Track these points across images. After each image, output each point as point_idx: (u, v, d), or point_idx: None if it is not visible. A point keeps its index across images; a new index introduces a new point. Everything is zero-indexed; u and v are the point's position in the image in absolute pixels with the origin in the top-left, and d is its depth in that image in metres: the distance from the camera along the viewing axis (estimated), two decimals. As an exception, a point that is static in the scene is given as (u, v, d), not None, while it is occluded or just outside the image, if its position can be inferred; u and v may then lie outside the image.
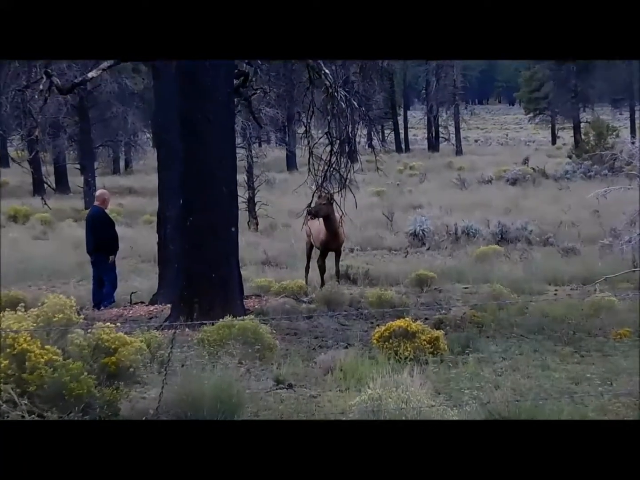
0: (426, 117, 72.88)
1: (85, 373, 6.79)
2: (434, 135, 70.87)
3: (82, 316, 7.50)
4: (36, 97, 13.53)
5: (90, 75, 13.41)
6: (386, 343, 9.78)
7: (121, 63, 17.46)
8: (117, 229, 15.78)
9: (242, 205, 20.52)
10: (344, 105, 13.70)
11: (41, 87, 12.82)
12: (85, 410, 6.72)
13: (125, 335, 7.27)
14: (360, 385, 7.98)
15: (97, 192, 16.27)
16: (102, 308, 14.02)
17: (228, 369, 8.00)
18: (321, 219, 15.19)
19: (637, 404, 7.74)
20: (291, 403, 8.00)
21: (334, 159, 14.10)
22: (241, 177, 23.08)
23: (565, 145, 62.32)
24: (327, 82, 13.52)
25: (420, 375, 7.56)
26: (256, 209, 25.86)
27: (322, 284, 15.23)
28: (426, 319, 11.91)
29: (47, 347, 6.83)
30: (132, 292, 14.79)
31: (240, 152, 23.39)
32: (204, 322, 10.15)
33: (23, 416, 6.51)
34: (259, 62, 15.13)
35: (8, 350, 6.74)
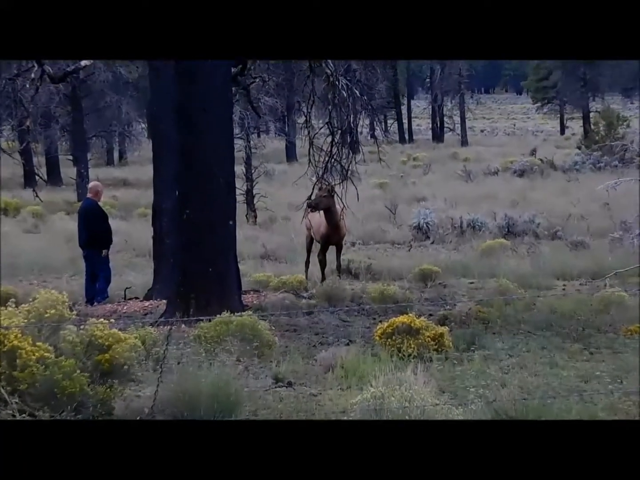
0: (430, 107, 72.83)
1: (78, 371, 6.79)
2: (438, 125, 70.84)
3: (74, 312, 7.52)
4: (27, 86, 13.55)
5: (83, 63, 13.42)
6: (389, 340, 9.78)
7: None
8: (111, 222, 15.79)
9: (240, 197, 20.52)
10: (345, 94, 13.68)
11: (32, 75, 12.84)
12: (77, 409, 6.72)
13: (120, 332, 7.27)
14: (362, 383, 7.98)
15: (90, 184, 16.26)
16: (95, 304, 14.02)
17: (225, 367, 8.00)
18: (322, 212, 15.19)
19: (648, 403, 7.74)
20: (291, 402, 8.00)
21: (335, 149, 14.09)
22: (239, 169, 23.10)
23: (574, 136, 62.32)
24: (328, 71, 13.51)
25: (424, 373, 7.57)
26: (255, 202, 25.85)
27: (323, 278, 15.23)
28: (430, 315, 11.92)
29: (38, 344, 6.83)
30: (127, 288, 14.79)
31: (238, 143, 23.38)
32: (201, 318, 10.14)
33: (14, 415, 6.52)
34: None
35: (-2, 347, 6.74)
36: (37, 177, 37.83)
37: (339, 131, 14.04)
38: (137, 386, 7.76)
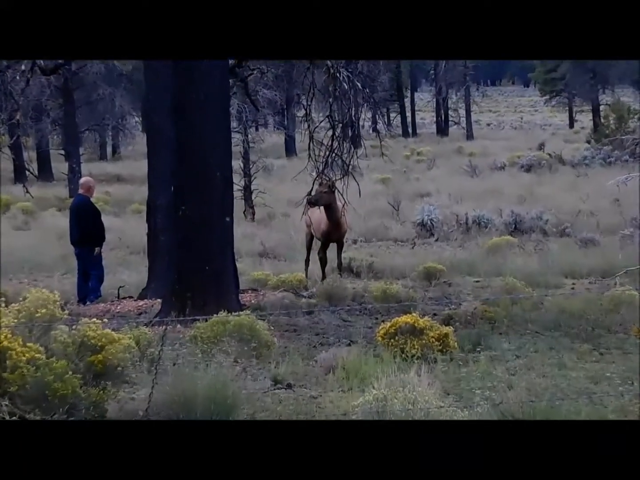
0: (435, 99, 72.78)
1: (70, 372, 6.79)
2: (443, 118, 70.83)
3: (66, 312, 7.52)
4: (17, 78, 13.54)
5: (74, 54, 13.39)
6: (392, 340, 9.79)
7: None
8: (104, 218, 15.79)
9: (237, 193, 20.51)
10: (346, 87, 13.68)
11: (23, 67, 12.82)
12: (69, 412, 6.72)
13: (113, 332, 7.27)
14: (364, 385, 7.99)
15: (82, 180, 16.25)
16: (87, 303, 14.03)
17: (223, 368, 8.00)
18: (322, 208, 15.20)
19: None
20: (290, 404, 8.00)
21: (336, 144, 14.10)
22: (237, 164, 23.09)
23: (583, 130, 62.37)
24: (329, 62, 13.51)
25: (428, 375, 7.57)
26: (253, 198, 25.87)
27: (323, 277, 15.24)
28: (435, 314, 11.93)
29: (29, 344, 6.83)
30: (120, 286, 14.80)
31: (236, 137, 23.39)
32: (197, 318, 10.15)
33: (4, 418, 6.52)
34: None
35: (-13, 348, 6.74)
36: (27, 173, 37.87)
37: (340, 125, 14.05)
38: (131, 388, 7.76)
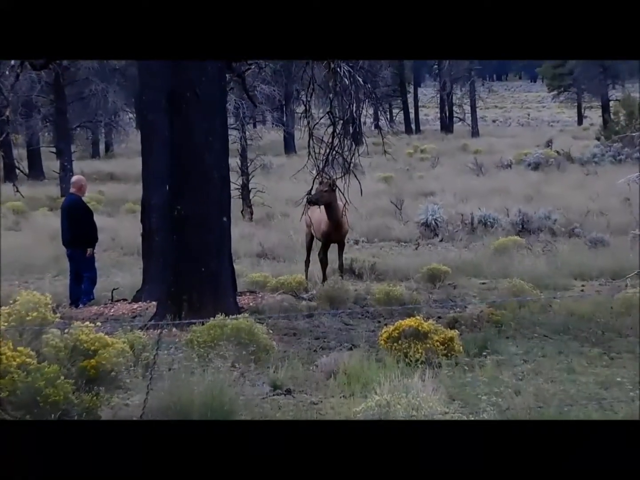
0: (439, 95, 72.81)
1: (62, 377, 6.79)
2: (447, 114, 70.87)
3: (58, 315, 7.51)
4: (7, 73, 13.52)
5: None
6: (395, 344, 9.79)
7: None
8: (97, 218, 15.79)
9: (234, 192, 20.54)
10: (347, 82, 13.68)
11: (12, 62, 12.81)
12: (61, 418, 6.72)
13: (106, 336, 7.28)
14: (366, 390, 8.00)
15: (73, 178, 16.22)
16: (80, 306, 14.03)
17: (220, 373, 8.01)
18: (322, 208, 15.19)
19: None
20: (290, 410, 8.01)
21: (336, 141, 14.09)
22: (234, 162, 23.11)
23: (592, 126, 62.35)
24: (329, 56, 13.51)
25: (433, 380, 7.59)
26: (251, 197, 25.88)
27: (324, 279, 15.24)
28: (439, 317, 11.93)
29: (19, 348, 6.83)
30: (114, 289, 14.80)
31: (233, 134, 23.41)
32: (193, 321, 10.16)
33: (-6, 424, 6.52)
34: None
35: (-24, 352, 6.74)
36: (17, 171, 37.89)
37: (341, 121, 14.04)
38: (125, 394, 7.76)
